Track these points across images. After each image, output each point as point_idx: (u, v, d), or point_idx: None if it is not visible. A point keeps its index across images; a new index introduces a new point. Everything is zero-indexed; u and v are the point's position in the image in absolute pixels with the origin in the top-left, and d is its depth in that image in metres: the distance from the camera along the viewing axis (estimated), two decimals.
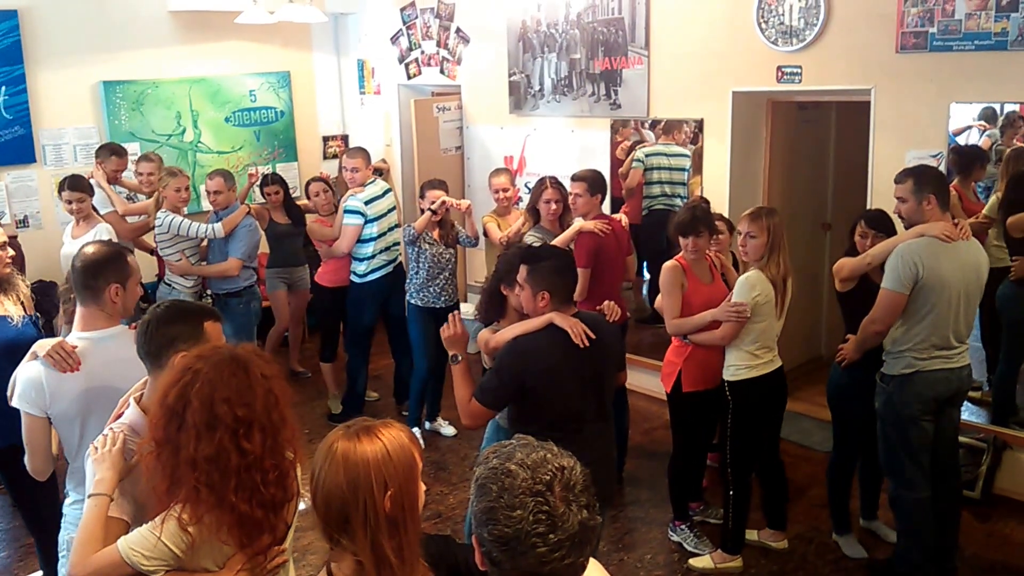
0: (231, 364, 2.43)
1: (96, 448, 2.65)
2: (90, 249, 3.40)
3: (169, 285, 6.50)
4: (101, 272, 3.29)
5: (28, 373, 3.21)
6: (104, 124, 7.96)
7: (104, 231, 6.05)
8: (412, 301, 6.34)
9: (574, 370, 3.59)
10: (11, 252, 4.24)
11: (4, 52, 7.39)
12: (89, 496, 2.57)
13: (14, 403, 3.23)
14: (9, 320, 4.11)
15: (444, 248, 6.26)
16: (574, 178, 5.67)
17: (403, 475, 2.06)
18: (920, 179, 4.35)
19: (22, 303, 4.21)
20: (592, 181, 5.59)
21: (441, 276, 6.26)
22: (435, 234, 6.21)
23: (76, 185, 6.16)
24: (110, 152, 6.97)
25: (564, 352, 3.56)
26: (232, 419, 2.37)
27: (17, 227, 7.18)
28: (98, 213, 6.41)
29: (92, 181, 6.69)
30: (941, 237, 4.24)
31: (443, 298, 6.29)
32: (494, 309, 4.08)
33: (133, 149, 7.78)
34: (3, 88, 7.42)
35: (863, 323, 4.46)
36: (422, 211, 6.21)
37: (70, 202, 6.12)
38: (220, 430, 2.36)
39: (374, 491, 2.02)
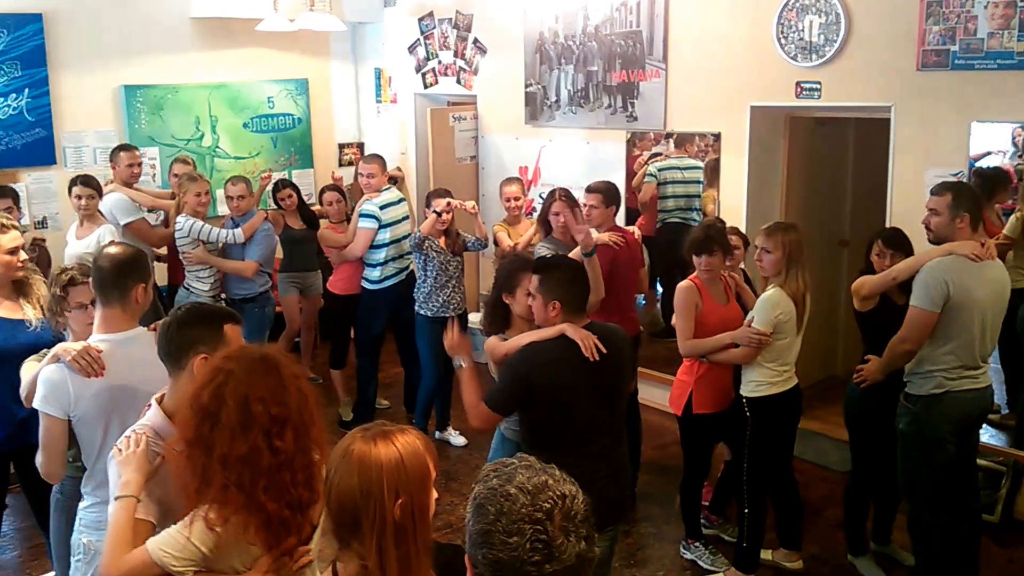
0: (263, 364, 2.46)
1: (120, 450, 2.67)
2: (115, 250, 3.43)
3: (188, 290, 6.51)
4: (131, 272, 3.33)
5: (51, 375, 3.21)
6: (124, 128, 7.99)
7: (108, 232, 6.08)
8: (421, 312, 6.34)
9: (585, 382, 3.57)
10: (23, 256, 4.23)
11: (28, 55, 7.43)
12: (116, 498, 2.59)
13: (36, 405, 3.23)
14: (27, 324, 4.12)
15: (451, 256, 6.26)
16: (589, 190, 5.65)
17: (415, 484, 2.06)
18: (959, 196, 4.29)
19: (41, 306, 4.23)
20: (607, 193, 5.58)
21: (449, 284, 6.26)
22: (441, 242, 6.21)
23: (88, 181, 6.25)
24: (118, 150, 6.99)
25: (575, 364, 3.55)
26: (267, 418, 2.39)
27: (36, 227, 7.20)
28: (116, 223, 6.47)
29: (111, 186, 6.71)
30: (971, 256, 4.20)
31: (451, 306, 6.28)
32: (498, 320, 4.07)
33: (152, 153, 7.84)
34: (26, 90, 7.46)
35: (892, 343, 4.39)
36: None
37: (80, 197, 6.17)
38: (255, 429, 2.39)
39: (385, 498, 2.02)
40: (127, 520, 2.55)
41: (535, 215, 6.71)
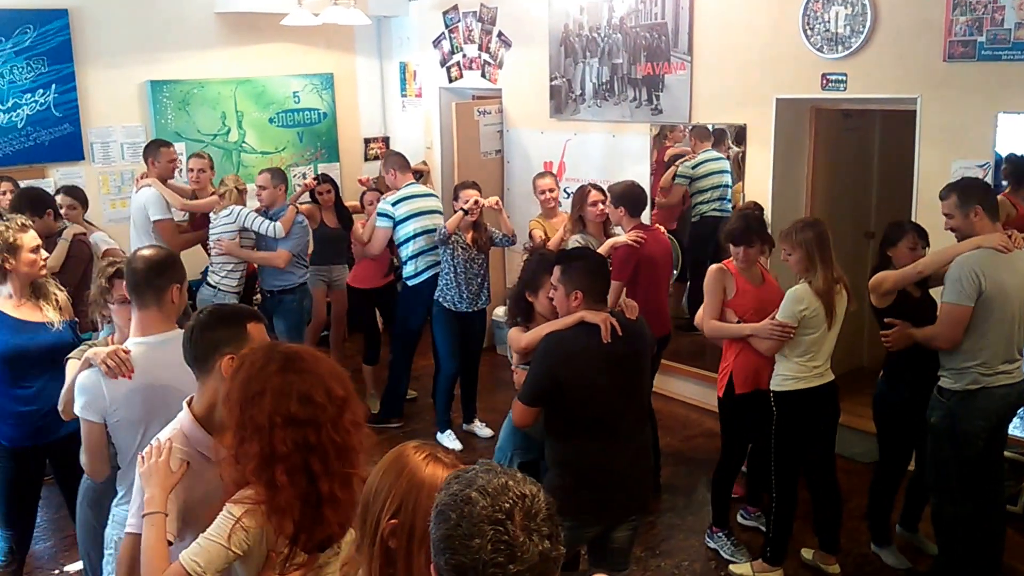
0: (306, 353, 2.48)
1: (143, 459, 2.65)
2: (148, 251, 3.42)
3: (214, 288, 6.51)
4: (166, 271, 3.32)
5: (86, 381, 3.21)
6: (151, 123, 8.07)
7: (102, 240, 6.12)
8: (442, 302, 6.32)
9: (609, 371, 3.61)
10: (44, 255, 4.26)
11: (54, 50, 7.53)
12: (144, 515, 2.57)
13: (76, 412, 3.24)
14: (50, 326, 4.16)
15: (476, 252, 6.25)
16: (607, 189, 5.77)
17: (420, 518, 1.94)
18: (963, 193, 4.30)
19: (59, 307, 4.26)
20: (614, 194, 5.64)
21: (475, 281, 6.26)
22: (468, 237, 6.20)
23: (69, 191, 6.32)
24: (158, 146, 6.98)
25: (598, 353, 3.59)
26: (339, 399, 2.42)
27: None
28: (147, 218, 6.61)
29: (146, 181, 6.77)
30: (999, 248, 4.18)
31: (478, 302, 6.31)
32: (522, 314, 4.14)
33: (179, 149, 7.87)
34: (53, 86, 7.56)
35: (927, 336, 4.39)
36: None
37: (62, 206, 6.17)
38: (347, 413, 2.42)
39: (383, 508, 1.97)
40: (159, 537, 2.52)
41: (563, 207, 6.72)
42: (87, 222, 6.38)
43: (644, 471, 3.88)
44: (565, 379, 3.58)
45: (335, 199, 7.41)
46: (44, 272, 4.23)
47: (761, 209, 5.25)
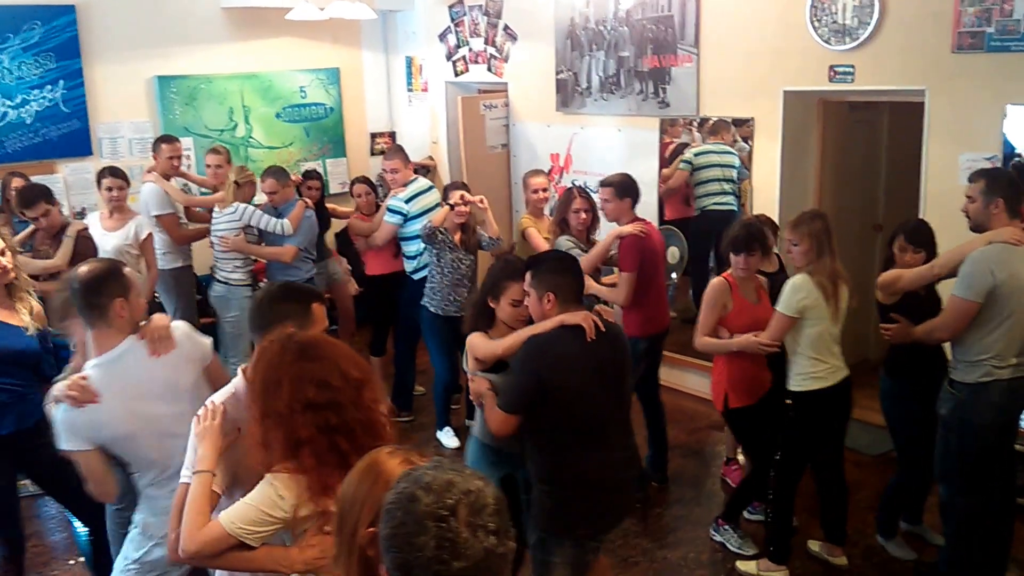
0: (323, 342, 2.62)
1: (198, 419, 2.77)
2: (85, 268, 3.32)
3: (224, 284, 6.54)
4: (103, 289, 3.23)
5: (62, 416, 3.19)
6: (158, 118, 8.10)
7: (144, 226, 6.16)
8: (429, 307, 6.23)
9: (594, 373, 3.55)
10: (5, 260, 4.09)
11: (62, 46, 7.55)
12: (193, 473, 2.69)
13: (63, 448, 3.22)
14: (24, 330, 4.09)
15: (464, 254, 6.18)
16: (602, 184, 5.62)
17: None
18: (992, 182, 4.27)
19: (33, 315, 4.17)
20: (619, 185, 5.52)
21: (463, 283, 6.16)
22: (456, 238, 6.15)
23: (116, 172, 6.33)
24: (160, 142, 7.07)
25: (582, 352, 3.52)
26: (356, 381, 2.55)
27: (74, 217, 7.28)
28: (148, 213, 6.61)
29: (151, 176, 6.79)
30: (1012, 242, 4.16)
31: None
32: (483, 321, 4.01)
33: (187, 144, 7.89)
34: (61, 82, 7.58)
35: (927, 330, 4.38)
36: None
37: (111, 189, 6.24)
38: (366, 390, 2.55)
39: (359, 517, 1.94)
40: (204, 494, 2.64)
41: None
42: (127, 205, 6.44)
43: (629, 480, 3.79)
44: (551, 383, 3.47)
45: (319, 198, 7.35)
46: (12, 275, 4.12)
47: (773, 224, 5.22)
